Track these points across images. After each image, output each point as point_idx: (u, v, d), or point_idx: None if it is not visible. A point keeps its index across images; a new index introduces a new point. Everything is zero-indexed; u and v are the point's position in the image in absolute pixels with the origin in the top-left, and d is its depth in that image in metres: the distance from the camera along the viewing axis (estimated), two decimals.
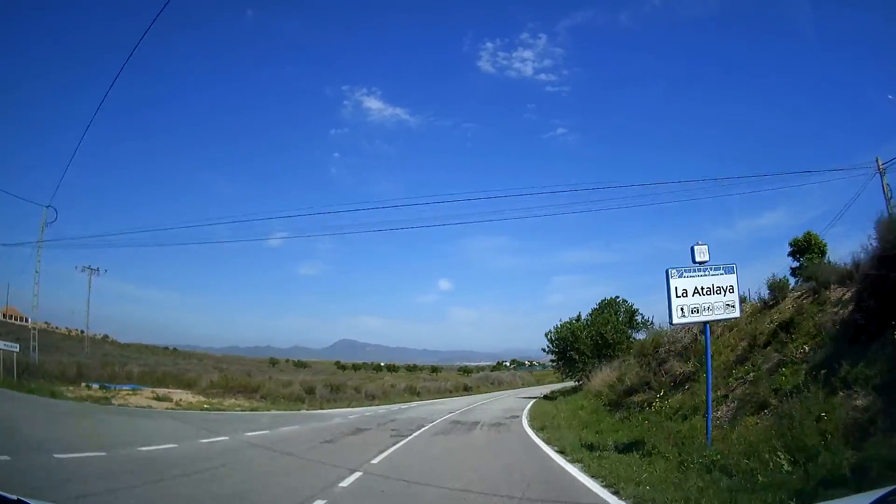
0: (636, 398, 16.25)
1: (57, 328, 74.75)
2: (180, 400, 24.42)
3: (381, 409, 29.63)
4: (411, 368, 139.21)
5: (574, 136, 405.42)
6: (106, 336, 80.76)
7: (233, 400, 29.04)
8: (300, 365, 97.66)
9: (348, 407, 30.80)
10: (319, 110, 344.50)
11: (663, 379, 15.81)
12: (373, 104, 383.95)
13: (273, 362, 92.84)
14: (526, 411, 25.30)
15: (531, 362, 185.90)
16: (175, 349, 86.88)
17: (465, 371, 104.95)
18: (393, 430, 16.47)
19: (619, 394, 19.29)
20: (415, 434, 15.29)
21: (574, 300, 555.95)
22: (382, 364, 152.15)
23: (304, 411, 26.41)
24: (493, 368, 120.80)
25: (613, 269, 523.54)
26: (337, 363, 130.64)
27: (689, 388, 13.91)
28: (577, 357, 34.54)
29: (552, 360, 38.76)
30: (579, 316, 37.27)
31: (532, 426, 17.50)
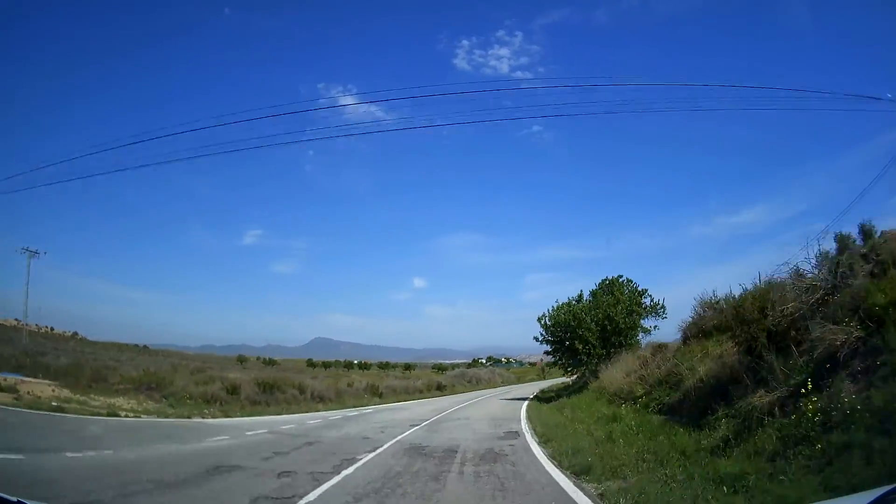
0: (744, 402, 8.49)
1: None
2: (28, 392, 18.99)
3: (319, 417, 21.45)
4: (384, 366, 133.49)
5: (549, 134, 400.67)
6: (75, 333, 77.68)
7: (124, 399, 21.74)
8: (269, 363, 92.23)
9: (281, 414, 22.78)
10: (295, 108, 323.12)
11: (798, 362, 8.17)
12: (348, 102, 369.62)
13: (241, 360, 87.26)
14: (524, 423, 17.62)
15: (508, 359, 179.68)
16: (146, 347, 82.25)
17: (440, 368, 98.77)
18: (283, 473, 8.30)
19: (684, 394, 11.59)
20: (315, 493, 7.07)
21: (549, 297, 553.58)
22: (355, 362, 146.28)
23: (192, 420, 18.04)
24: (470, 366, 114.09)
25: (589, 266, 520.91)
26: (308, 361, 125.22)
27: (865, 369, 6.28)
28: (580, 347, 26.83)
29: (547, 352, 30.92)
30: (580, 296, 29.63)
31: (555, 459, 9.61)
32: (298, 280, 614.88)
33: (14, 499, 2.60)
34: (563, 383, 47.62)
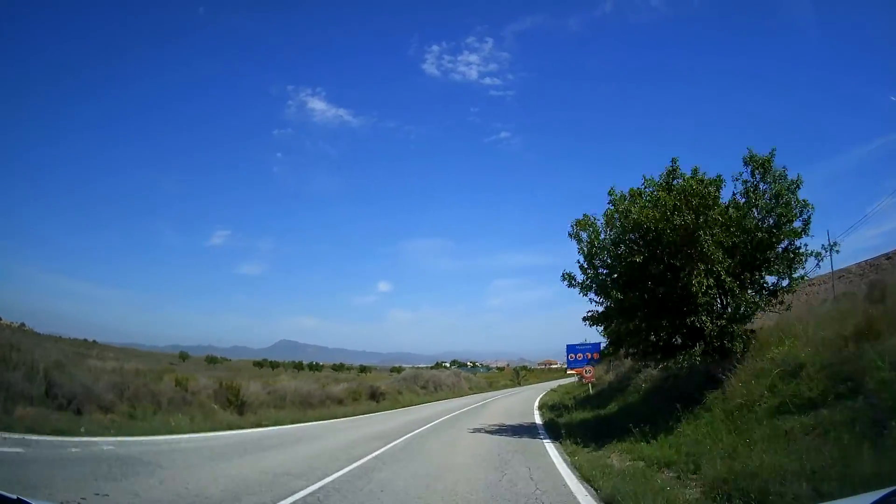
0: None
1: None
2: None
3: None
4: (338, 368, 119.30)
5: (517, 139, 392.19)
6: (23, 324, 60.75)
7: None
8: (211, 360, 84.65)
9: None
10: (264, 110, 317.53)
11: None
12: (317, 105, 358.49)
13: (183, 357, 79.89)
14: None
15: (474, 363, 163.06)
16: (94, 342, 69.06)
17: (398, 371, 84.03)
18: None
19: None
20: None
21: (515, 303, 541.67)
22: (304, 363, 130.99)
23: None
24: (432, 368, 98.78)
25: (556, 272, 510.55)
26: (254, 362, 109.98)
27: None
28: (695, 285, 9.57)
29: (594, 316, 12.50)
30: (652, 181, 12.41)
31: None
32: (265, 282, 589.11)
33: (14, 496, 2.50)
34: (566, 392, 31.91)
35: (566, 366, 48.05)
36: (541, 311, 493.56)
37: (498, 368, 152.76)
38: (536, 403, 26.03)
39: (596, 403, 17.77)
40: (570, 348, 43.71)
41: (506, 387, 65.79)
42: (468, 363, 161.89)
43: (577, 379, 49.43)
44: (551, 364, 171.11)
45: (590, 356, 42.74)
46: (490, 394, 44.34)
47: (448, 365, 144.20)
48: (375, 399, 27.95)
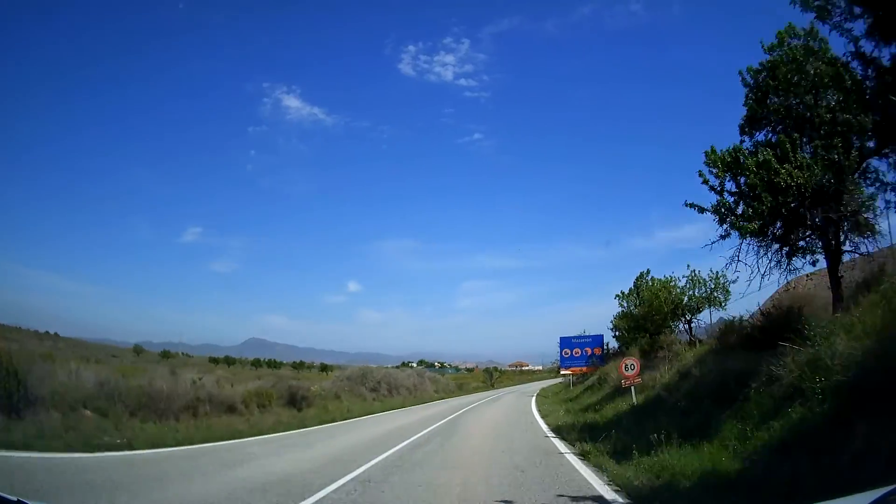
0: None
1: None
2: None
3: None
4: (298, 366, 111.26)
5: (490, 141, 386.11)
6: None
7: None
8: (165, 355, 77.38)
9: None
10: (239, 107, 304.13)
11: None
12: (292, 103, 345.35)
13: (138, 351, 75.76)
14: None
15: (442, 364, 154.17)
16: (56, 334, 66.25)
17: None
18: None
19: None
20: None
21: (484, 305, 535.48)
22: (263, 360, 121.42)
23: None
24: (396, 368, 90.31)
25: (525, 275, 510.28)
26: (210, 358, 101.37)
27: None
28: None
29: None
30: None
31: None
32: (236, 279, 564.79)
33: (14, 498, 2.38)
34: (568, 399, 24.09)
35: (559, 364, 39.28)
36: (510, 314, 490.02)
37: (467, 369, 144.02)
38: (543, 425, 16.97)
39: (677, 424, 9.09)
40: (565, 342, 35.10)
41: (477, 390, 57.20)
42: (436, 364, 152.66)
43: (566, 380, 40.64)
44: (523, 366, 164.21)
45: (590, 352, 34.40)
46: (461, 400, 35.44)
47: (414, 364, 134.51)
48: (296, 406, 18.75)
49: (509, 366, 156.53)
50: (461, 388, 52.11)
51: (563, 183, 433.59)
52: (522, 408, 24.95)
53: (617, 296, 24.54)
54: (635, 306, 23.85)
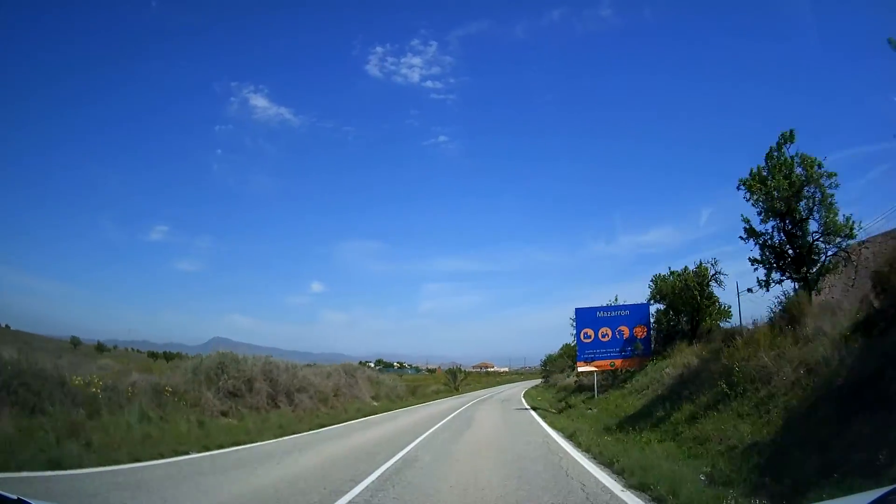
0: None
1: None
2: None
3: None
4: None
5: (455, 144, 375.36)
6: None
7: None
8: (100, 349, 73.20)
9: None
10: (207, 106, 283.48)
11: None
12: (259, 102, 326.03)
13: (75, 343, 71.42)
14: None
15: (401, 364, 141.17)
16: (7, 326, 64.60)
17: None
18: None
19: None
20: None
21: (447, 308, 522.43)
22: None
23: None
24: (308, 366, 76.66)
25: (487, 278, 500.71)
26: (150, 353, 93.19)
27: None
28: None
29: None
30: None
31: None
32: (201, 279, 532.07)
33: (14, 496, 2.30)
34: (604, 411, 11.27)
35: (576, 354, 23.94)
36: (473, 316, 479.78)
37: (429, 370, 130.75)
38: None
39: None
40: (585, 316, 20.92)
41: (438, 395, 42.74)
42: (395, 364, 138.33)
43: (549, 381, 29.44)
44: (488, 367, 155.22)
45: (627, 333, 20.35)
46: (399, 421, 19.71)
47: (371, 364, 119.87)
48: None
49: (474, 367, 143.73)
50: (415, 394, 37.58)
51: (526, 187, 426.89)
52: (523, 450, 10.69)
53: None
54: None
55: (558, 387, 37.94)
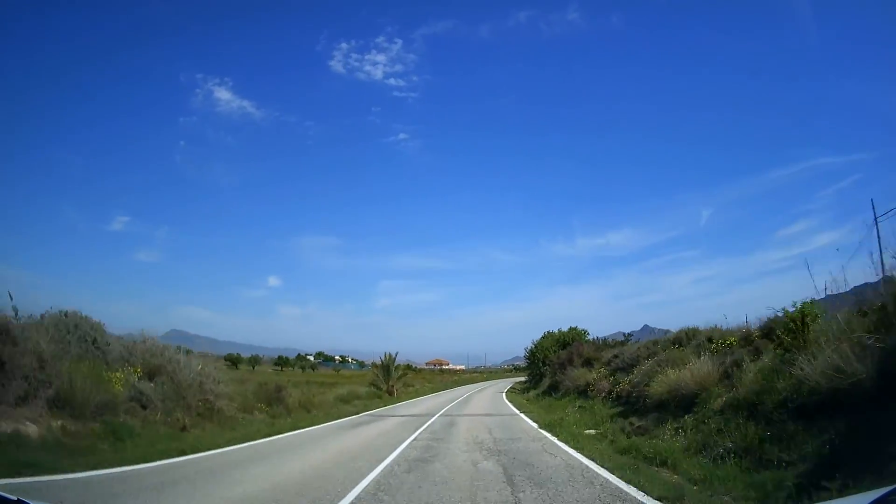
0: None
1: None
2: None
3: None
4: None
5: (415, 142, 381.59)
6: None
7: None
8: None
9: None
10: (172, 97, 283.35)
11: None
12: (223, 95, 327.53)
13: None
14: None
15: (345, 358, 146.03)
16: None
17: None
18: None
19: None
20: None
21: (402, 305, 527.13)
22: None
23: None
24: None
25: (443, 276, 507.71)
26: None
27: None
28: None
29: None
30: None
31: None
32: (160, 270, 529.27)
33: (14, 497, 2.31)
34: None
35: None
36: (429, 314, 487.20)
37: (375, 365, 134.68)
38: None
39: None
40: None
41: (348, 403, 26.13)
42: (336, 358, 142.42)
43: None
44: (443, 364, 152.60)
45: None
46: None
47: (311, 358, 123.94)
48: None
49: (427, 363, 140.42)
50: (308, 409, 21.09)
51: (486, 185, 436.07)
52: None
53: None
54: None
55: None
